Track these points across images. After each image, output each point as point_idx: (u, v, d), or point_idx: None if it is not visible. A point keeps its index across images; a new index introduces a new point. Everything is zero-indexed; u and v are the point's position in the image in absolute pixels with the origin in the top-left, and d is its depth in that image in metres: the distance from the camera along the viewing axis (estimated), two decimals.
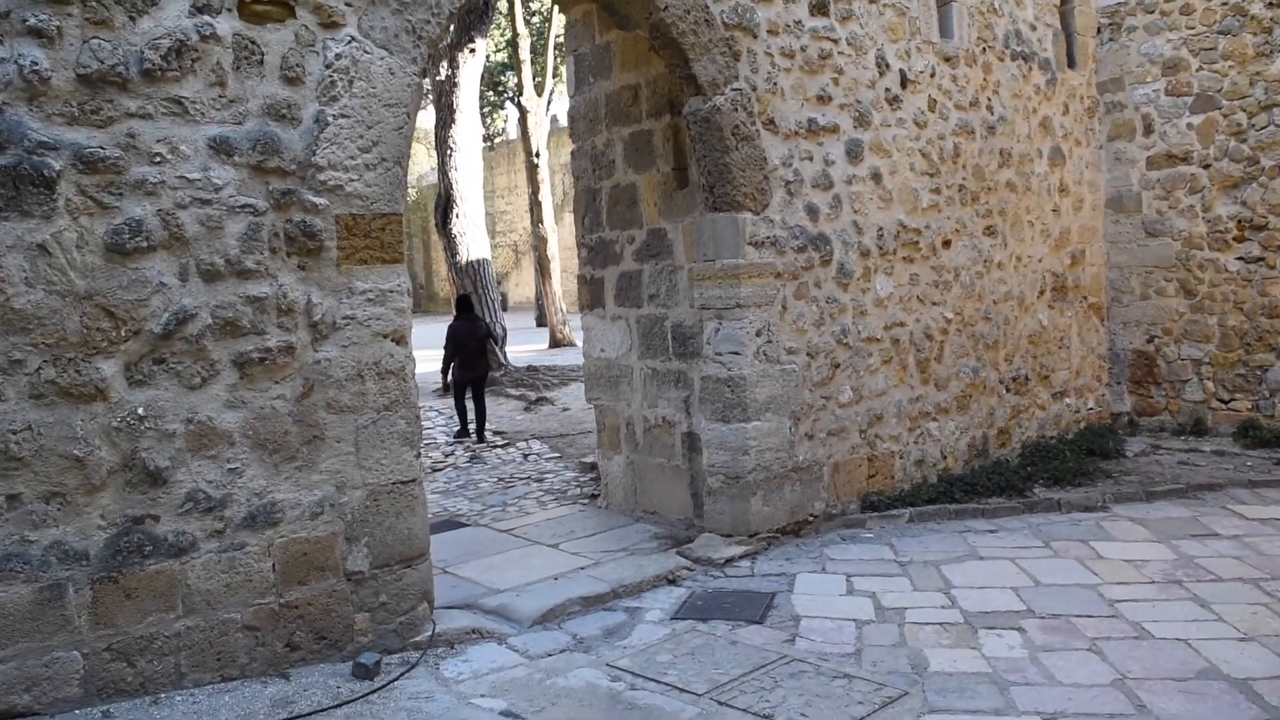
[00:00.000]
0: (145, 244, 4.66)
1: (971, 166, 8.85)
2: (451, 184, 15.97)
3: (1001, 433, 9.27)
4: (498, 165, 40.16)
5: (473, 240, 16.10)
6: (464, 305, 12.76)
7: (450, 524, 8.28)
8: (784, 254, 7.26)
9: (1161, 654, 5.09)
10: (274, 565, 5.06)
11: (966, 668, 5.04)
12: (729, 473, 7.10)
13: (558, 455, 10.85)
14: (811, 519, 7.47)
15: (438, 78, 15.96)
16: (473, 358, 12.16)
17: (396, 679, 5.12)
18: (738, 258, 6.99)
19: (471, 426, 12.31)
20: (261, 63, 4.92)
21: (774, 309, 7.19)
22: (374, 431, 5.30)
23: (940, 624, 5.66)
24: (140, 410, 4.69)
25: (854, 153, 7.75)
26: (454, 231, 16.00)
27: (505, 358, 16.36)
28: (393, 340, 5.35)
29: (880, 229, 7.96)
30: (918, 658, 5.19)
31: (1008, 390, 9.35)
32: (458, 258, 16.04)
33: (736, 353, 7.03)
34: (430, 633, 5.52)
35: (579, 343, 11.36)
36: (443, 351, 12.27)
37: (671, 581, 6.58)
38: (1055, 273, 10.03)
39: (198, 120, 4.77)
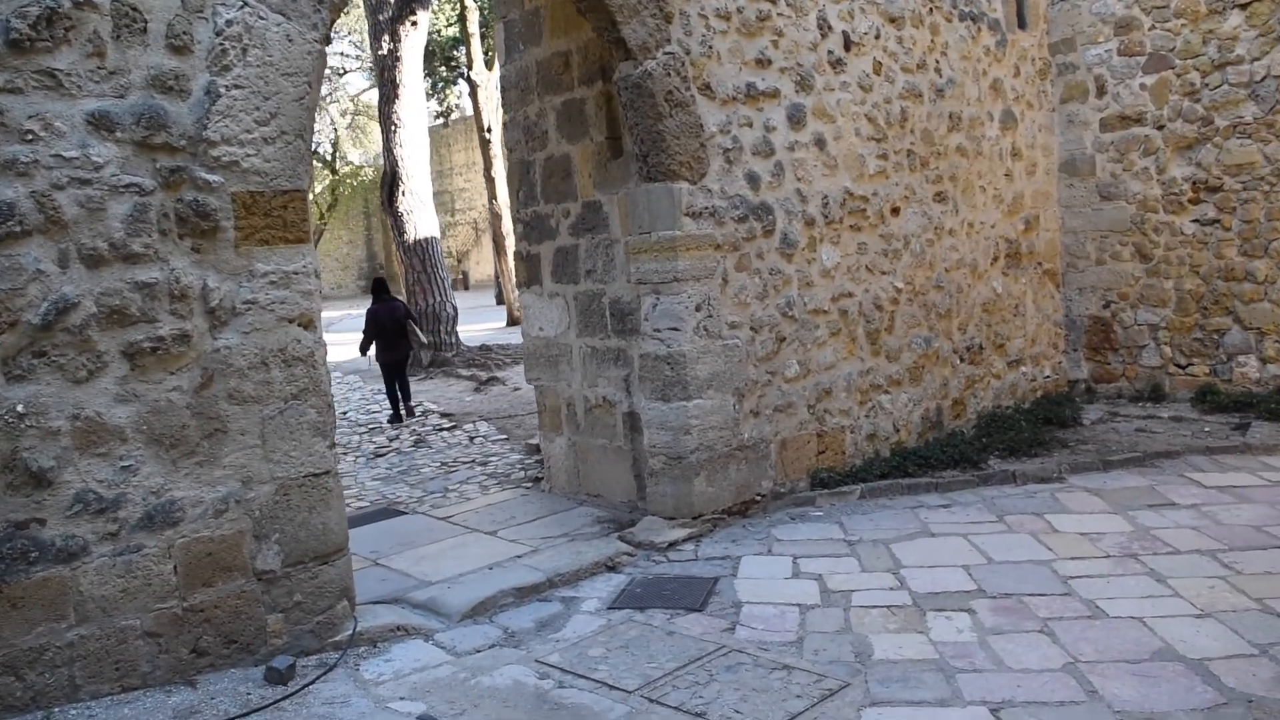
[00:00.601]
0: (18, 228, 4.30)
1: (920, 131, 8.59)
2: (397, 161, 15.54)
3: (956, 404, 9.06)
4: (455, 142, 39.55)
5: (420, 218, 15.70)
6: (380, 288, 12.53)
7: (387, 512, 7.99)
8: (724, 225, 6.97)
9: (1115, 634, 4.87)
10: (175, 567, 4.74)
11: (912, 654, 4.82)
12: (671, 453, 6.83)
13: (505, 437, 10.56)
14: (759, 498, 7.23)
15: (380, 53, 15.50)
16: (393, 339, 12.13)
17: (312, 682, 4.84)
18: (674, 229, 6.70)
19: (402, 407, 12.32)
20: (145, 31, 4.55)
21: (714, 282, 6.91)
22: (281, 422, 4.98)
23: (887, 607, 5.43)
24: (20, 407, 4.35)
25: (796, 118, 7.46)
26: (401, 210, 15.59)
27: (456, 337, 16.01)
28: (300, 325, 5.02)
29: (825, 197, 7.69)
30: (862, 645, 4.96)
31: (962, 360, 9.14)
32: (405, 236, 15.64)
33: (675, 329, 6.76)
34: (351, 632, 5.23)
35: None
36: (362, 334, 12.33)
37: (611, 568, 6.32)
38: (1009, 239, 9.81)
39: (74, 94, 4.41)
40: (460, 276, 40.89)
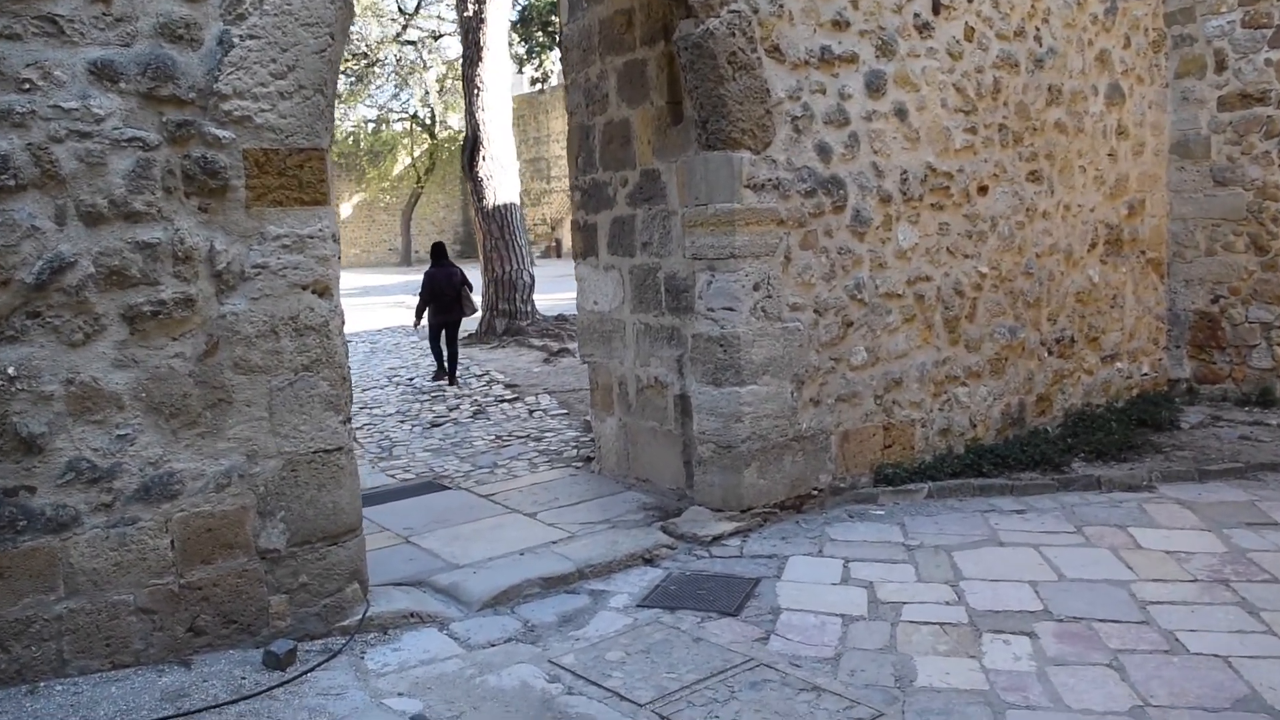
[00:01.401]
0: (13, 182, 4.09)
1: (1014, 104, 7.93)
2: (479, 125, 15.29)
3: (1041, 399, 8.42)
4: (553, 108, 39.26)
5: (500, 184, 15.44)
6: (439, 253, 12.91)
7: (430, 486, 7.75)
8: (788, 198, 6.49)
9: (1195, 674, 4.32)
10: (173, 542, 4.52)
11: (959, 683, 4.34)
12: (720, 441, 6.41)
13: (565, 412, 10.24)
14: (815, 493, 6.77)
15: (465, 14, 15.23)
16: (448, 304, 12.45)
17: (312, 669, 4.58)
18: (732, 202, 6.24)
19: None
20: None
21: (775, 260, 6.44)
22: (291, 394, 4.71)
23: (940, 624, 4.95)
24: (11, 370, 4.15)
25: (875, 86, 6.91)
26: (481, 175, 15.36)
27: (532, 305, 15.77)
28: (314, 292, 4.73)
29: (904, 172, 7.13)
30: (905, 667, 4.50)
31: (1050, 353, 8.48)
32: (484, 202, 15.41)
33: (730, 309, 6.31)
34: (360, 616, 4.97)
35: None
36: (418, 296, 12.71)
37: (648, 561, 5.95)
38: (1109, 224, 9.07)
39: (76, 42, 4.17)
40: (554, 244, 40.78)
